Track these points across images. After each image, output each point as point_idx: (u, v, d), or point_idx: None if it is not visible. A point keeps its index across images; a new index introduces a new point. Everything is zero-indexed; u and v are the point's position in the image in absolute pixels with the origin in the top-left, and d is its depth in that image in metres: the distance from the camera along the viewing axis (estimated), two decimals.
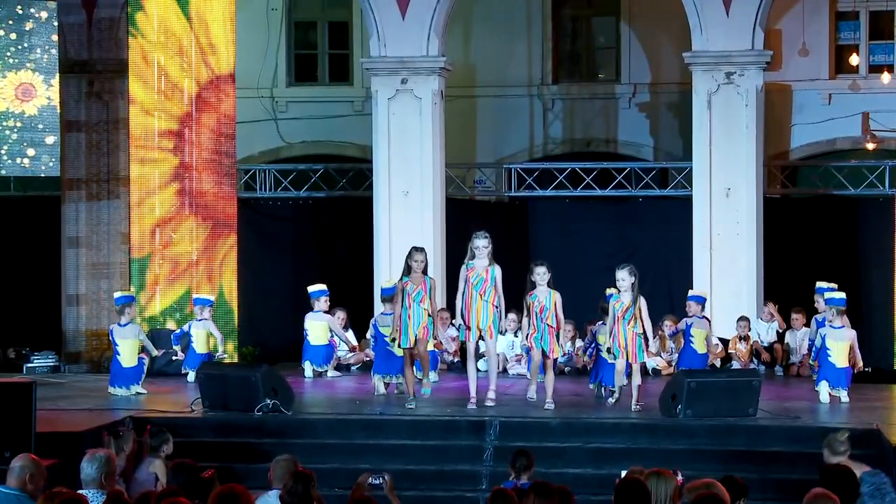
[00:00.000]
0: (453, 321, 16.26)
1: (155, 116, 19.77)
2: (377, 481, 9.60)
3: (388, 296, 16.93)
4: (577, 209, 22.28)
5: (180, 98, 19.84)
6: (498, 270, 15.07)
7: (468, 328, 15.16)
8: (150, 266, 19.70)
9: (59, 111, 20.31)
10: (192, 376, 17.71)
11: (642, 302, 15.14)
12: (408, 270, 15.21)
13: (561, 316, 15.16)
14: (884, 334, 19.50)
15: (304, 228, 22.80)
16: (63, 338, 20.32)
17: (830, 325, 16.13)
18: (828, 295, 16.78)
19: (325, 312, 18.78)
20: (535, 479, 9.84)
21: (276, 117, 24.55)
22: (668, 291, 20.83)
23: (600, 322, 16.21)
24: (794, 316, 19.19)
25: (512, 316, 18.54)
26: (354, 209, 22.11)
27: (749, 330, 19.11)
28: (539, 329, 15.03)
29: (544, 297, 15.04)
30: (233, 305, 20.03)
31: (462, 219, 20.41)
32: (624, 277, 15.06)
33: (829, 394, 15.81)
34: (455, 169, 22.37)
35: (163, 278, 19.73)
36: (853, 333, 16.23)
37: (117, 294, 17.98)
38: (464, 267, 15.15)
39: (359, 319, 19.71)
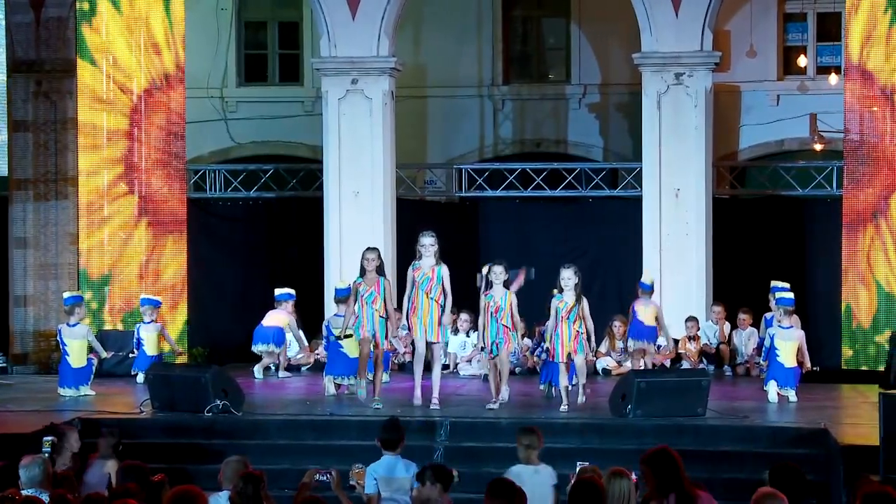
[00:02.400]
0: (401, 323, 16.25)
1: (103, 116, 19.67)
2: (324, 478, 9.59)
3: (342, 297, 16.88)
4: (528, 209, 22.32)
5: (129, 98, 19.75)
6: (445, 270, 15.06)
7: (409, 329, 15.16)
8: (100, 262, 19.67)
9: (6, 111, 20.15)
10: (141, 377, 17.60)
11: (585, 302, 15.21)
12: (362, 271, 15.21)
13: (517, 317, 15.22)
14: (831, 334, 19.62)
15: (254, 229, 22.73)
16: (10, 339, 20.17)
17: (779, 325, 16.24)
18: (777, 295, 16.89)
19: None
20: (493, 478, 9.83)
21: (226, 117, 24.47)
22: (619, 292, 20.90)
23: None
24: (740, 316, 19.30)
25: (465, 316, 18.56)
26: (305, 209, 22.06)
27: (698, 330, 19.21)
28: (493, 329, 15.03)
29: (500, 297, 15.06)
30: (182, 306, 19.95)
31: (413, 219, 20.40)
32: (569, 276, 15.13)
33: (778, 393, 15.91)
34: (406, 169, 22.37)
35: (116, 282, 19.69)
36: (801, 333, 16.34)
37: (66, 294, 17.85)
38: (410, 267, 15.16)
39: (309, 320, 19.66)
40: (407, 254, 15.80)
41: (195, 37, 21.97)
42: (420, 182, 23.29)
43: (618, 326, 18.95)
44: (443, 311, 15.14)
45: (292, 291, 18.71)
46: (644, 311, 17.96)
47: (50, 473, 9.11)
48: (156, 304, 18.55)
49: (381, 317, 15.12)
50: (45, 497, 8.71)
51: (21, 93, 20.10)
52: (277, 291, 18.67)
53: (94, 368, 17.01)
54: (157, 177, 19.88)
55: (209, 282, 21.47)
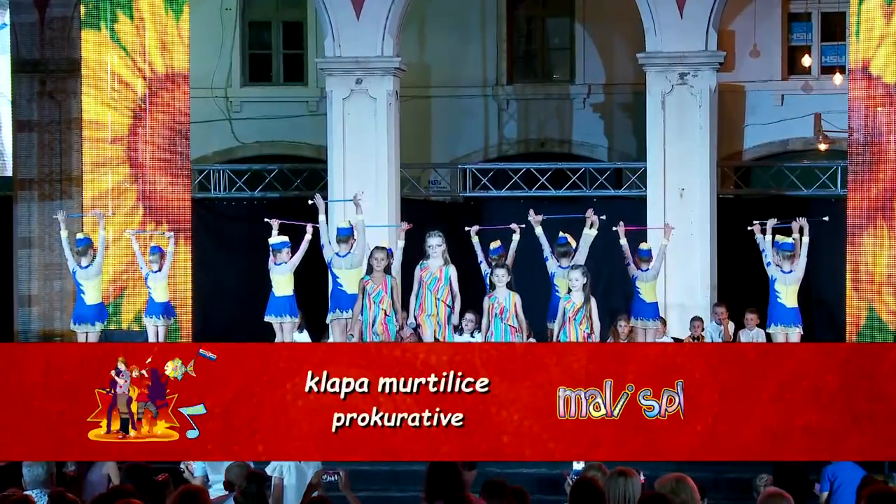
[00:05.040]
0: (408, 322, 16.20)
1: (108, 116, 19.66)
2: (332, 478, 9.61)
3: (343, 236, 16.17)
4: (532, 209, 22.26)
5: (133, 98, 19.74)
6: (453, 270, 15.06)
7: (418, 326, 15.17)
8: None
9: (10, 111, 20.16)
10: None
11: (593, 303, 15.16)
12: (370, 270, 15.20)
13: (522, 317, 15.17)
14: (834, 334, 19.61)
15: (258, 229, 22.64)
16: (15, 338, 20.16)
17: (780, 269, 16.04)
18: (778, 239, 16.60)
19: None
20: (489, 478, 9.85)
21: (231, 117, 24.46)
22: (623, 292, 20.85)
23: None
24: (748, 316, 19.21)
25: (470, 316, 18.53)
26: (309, 209, 22.01)
27: (702, 330, 19.17)
28: (499, 330, 15.03)
29: (504, 298, 15.05)
30: (187, 306, 19.94)
31: (417, 219, 20.33)
32: (577, 277, 15.07)
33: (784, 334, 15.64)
34: (410, 169, 22.36)
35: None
36: (801, 275, 16.10)
37: (79, 235, 17.41)
38: (418, 267, 15.16)
39: (314, 321, 19.63)
40: (411, 253, 15.77)
41: (199, 37, 21.96)
42: (424, 182, 23.29)
43: (622, 326, 18.89)
44: (450, 311, 15.16)
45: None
46: (644, 288, 17.78)
47: (53, 473, 9.12)
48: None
49: (388, 316, 15.14)
50: (44, 497, 8.70)
51: (25, 92, 20.11)
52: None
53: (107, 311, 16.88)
54: (162, 177, 19.88)
55: (213, 282, 21.47)
